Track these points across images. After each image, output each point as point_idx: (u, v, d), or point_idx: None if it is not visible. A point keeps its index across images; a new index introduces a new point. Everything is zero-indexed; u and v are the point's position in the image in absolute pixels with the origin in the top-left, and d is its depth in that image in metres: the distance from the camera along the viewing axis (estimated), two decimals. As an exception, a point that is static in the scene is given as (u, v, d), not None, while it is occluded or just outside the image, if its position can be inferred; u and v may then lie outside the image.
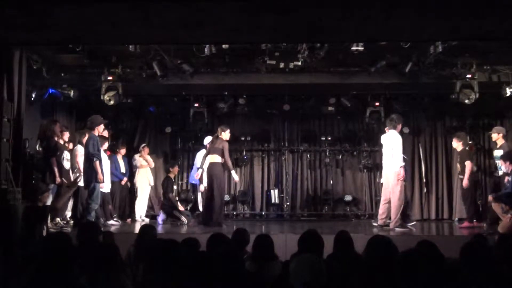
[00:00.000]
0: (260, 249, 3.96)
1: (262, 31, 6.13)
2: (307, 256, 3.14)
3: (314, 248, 3.59)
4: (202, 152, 9.20)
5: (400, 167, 7.62)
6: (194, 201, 10.20)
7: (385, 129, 8.10)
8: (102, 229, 4.91)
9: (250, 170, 11.06)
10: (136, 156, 9.97)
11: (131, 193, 10.03)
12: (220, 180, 8.43)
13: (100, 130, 7.86)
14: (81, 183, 8.12)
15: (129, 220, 9.56)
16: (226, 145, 8.48)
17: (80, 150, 8.30)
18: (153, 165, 10.17)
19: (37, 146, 7.89)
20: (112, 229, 7.68)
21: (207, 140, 9.15)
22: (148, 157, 10.07)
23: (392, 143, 7.78)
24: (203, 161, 8.78)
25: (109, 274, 2.98)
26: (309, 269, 2.91)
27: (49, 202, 7.88)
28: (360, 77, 8.94)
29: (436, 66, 8.68)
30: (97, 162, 7.47)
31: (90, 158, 7.48)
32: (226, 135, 8.59)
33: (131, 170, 9.91)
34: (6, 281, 3.22)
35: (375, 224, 8.00)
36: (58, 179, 7.68)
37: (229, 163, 8.51)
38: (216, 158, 8.45)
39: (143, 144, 10.24)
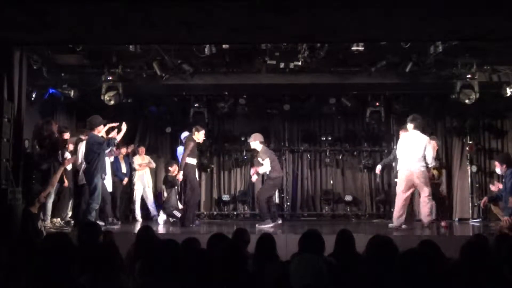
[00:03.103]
0: (262, 249, 3.96)
1: (262, 31, 6.14)
2: (308, 256, 3.13)
3: (314, 248, 3.58)
4: (181, 148, 9.13)
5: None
6: None
7: (408, 128, 7.85)
8: (102, 229, 4.91)
9: (250, 170, 11.04)
10: (134, 158, 9.97)
11: (131, 193, 10.03)
12: (192, 181, 8.32)
13: (100, 130, 7.82)
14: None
15: (129, 220, 9.57)
16: (190, 145, 8.26)
17: (82, 149, 8.34)
18: (153, 165, 10.17)
19: (36, 147, 7.85)
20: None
21: (184, 134, 9.14)
22: (147, 157, 10.07)
23: (424, 144, 7.63)
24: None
25: (109, 274, 2.98)
26: (309, 270, 2.91)
27: (49, 202, 7.90)
28: (360, 77, 8.94)
29: (436, 66, 8.68)
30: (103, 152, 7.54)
31: (103, 148, 7.50)
32: (199, 135, 8.42)
33: (131, 171, 9.92)
34: (6, 281, 3.22)
35: (391, 225, 7.90)
36: (66, 179, 7.74)
37: (183, 162, 8.26)
38: (188, 160, 8.34)
39: (137, 144, 10.27)
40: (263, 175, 9.26)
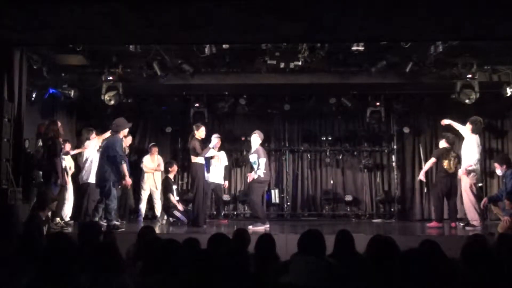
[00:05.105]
0: (262, 249, 3.96)
1: (262, 31, 6.14)
2: (306, 257, 3.14)
3: (314, 248, 3.57)
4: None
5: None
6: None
7: (468, 128, 8.09)
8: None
9: (250, 170, 11.03)
10: (144, 159, 9.86)
11: (134, 193, 9.98)
12: (198, 180, 8.27)
13: (125, 133, 7.78)
14: (91, 179, 8.13)
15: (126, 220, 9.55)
16: (197, 144, 8.24)
17: (89, 149, 8.37)
18: (162, 168, 10.08)
19: (39, 146, 7.85)
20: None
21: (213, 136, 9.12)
22: (159, 158, 9.99)
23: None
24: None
25: (110, 274, 2.98)
26: (308, 270, 2.91)
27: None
28: (360, 77, 8.95)
29: (437, 66, 8.69)
30: (124, 165, 7.39)
31: (117, 160, 7.33)
32: (200, 133, 8.37)
33: (134, 171, 9.86)
34: (6, 281, 3.22)
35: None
36: (66, 179, 7.73)
37: (203, 153, 8.27)
38: (193, 159, 8.33)
39: (151, 144, 10.14)
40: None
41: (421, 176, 8.73)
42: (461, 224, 8.38)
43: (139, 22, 5.79)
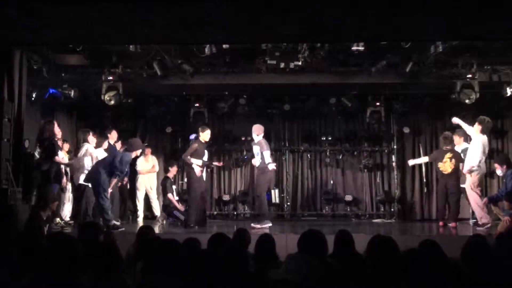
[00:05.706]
0: (262, 249, 3.96)
1: (262, 31, 6.14)
2: (299, 256, 3.14)
3: (314, 249, 3.57)
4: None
5: None
6: None
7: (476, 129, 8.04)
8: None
9: (250, 170, 11.04)
10: (138, 161, 9.89)
11: (133, 193, 9.99)
12: (194, 182, 8.24)
13: (138, 153, 7.93)
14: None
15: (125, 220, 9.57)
16: (194, 145, 8.23)
17: (84, 148, 8.37)
18: (157, 169, 10.06)
19: (37, 148, 7.85)
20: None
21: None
22: (153, 159, 9.99)
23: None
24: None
25: (110, 274, 2.98)
26: (308, 270, 2.90)
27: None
28: (361, 77, 8.94)
29: (437, 66, 8.68)
30: (116, 180, 7.60)
31: (114, 171, 7.45)
32: (204, 135, 8.31)
33: (132, 171, 9.88)
34: (6, 281, 3.22)
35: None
36: (64, 180, 7.76)
37: (188, 161, 8.22)
38: (192, 160, 8.28)
39: (144, 145, 10.15)
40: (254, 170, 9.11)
41: (410, 161, 9.49)
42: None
43: (139, 22, 5.79)
